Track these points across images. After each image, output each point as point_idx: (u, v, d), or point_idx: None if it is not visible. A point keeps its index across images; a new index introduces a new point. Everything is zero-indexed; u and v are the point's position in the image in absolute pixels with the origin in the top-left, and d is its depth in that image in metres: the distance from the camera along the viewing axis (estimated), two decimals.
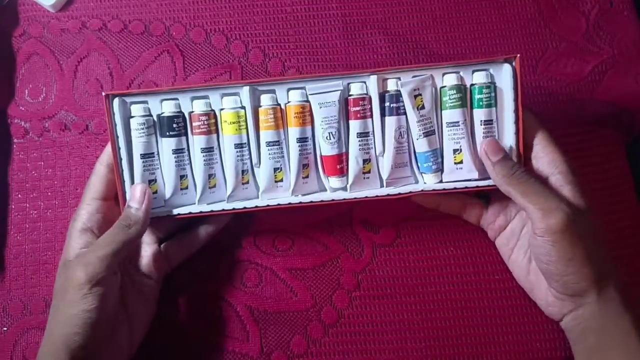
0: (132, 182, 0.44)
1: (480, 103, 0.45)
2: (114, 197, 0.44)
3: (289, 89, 0.45)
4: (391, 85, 0.45)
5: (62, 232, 0.50)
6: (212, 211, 0.44)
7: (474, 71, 0.45)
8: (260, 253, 0.50)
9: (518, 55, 0.44)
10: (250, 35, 0.55)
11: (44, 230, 0.50)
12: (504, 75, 0.45)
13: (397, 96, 0.45)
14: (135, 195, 0.42)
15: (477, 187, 0.45)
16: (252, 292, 0.50)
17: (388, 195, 0.45)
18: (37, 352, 0.47)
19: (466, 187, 0.45)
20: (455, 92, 0.45)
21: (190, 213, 0.44)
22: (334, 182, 0.46)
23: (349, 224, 0.51)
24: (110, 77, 0.53)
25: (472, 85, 0.45)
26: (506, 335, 0.49)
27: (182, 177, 0.45)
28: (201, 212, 0.44)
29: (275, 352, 0.48)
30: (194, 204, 0.45)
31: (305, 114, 0.45)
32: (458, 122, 0.45)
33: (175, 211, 0.44)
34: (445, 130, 0.46)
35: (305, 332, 0.49)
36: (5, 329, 0.48)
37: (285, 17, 0.55)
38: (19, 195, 0.51)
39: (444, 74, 0.45)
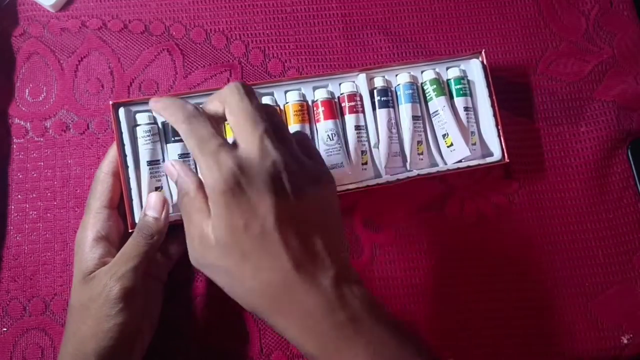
0: (139, 189, 0.43)
1: (460, 92, 0.48)
2: (117, 206, 0.43)
3: (286, 91, 0.47)
4: (378, 82, 0.48)
5: (62, 233, 0.49)
6: None
7: (447, 68, 0.49)
8: None
9: (483, 50, 0.48)
10: (250, 36, 0.53)
11: (44, 231, 0.49)
12: (474, 69, 0.49)
13: (386, 91, 0.47)
14: (154, 204, 0.41)
15: (469, 167, 0.47)
16: None
17: (387, 182, 0.46)
18: (36, 352, 0.46)
19: (458, 168, 0.47)
20: (432, 84, 0.48)
21: None
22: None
23: (350, 222, 0.50)
24: (111, 77, 0.51)
25: (448, 79, 0.49)
26: (505, 336, 0.48)
27: None
28: None
29: (275, 353, 0.47)
30: None
31: (304, 112, 0.46)
32: (438, 110, 0.48)
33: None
34: (433, 120, 0.48)
35: None
36: (5, 329, 0.47)
37: (285, 17, 0.54)
38: (19, 196, 0.49)
39: (422, 72, 0.49)
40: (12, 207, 0.49)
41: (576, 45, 0.54)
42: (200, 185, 0.34)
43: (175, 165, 0.36)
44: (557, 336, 0.48)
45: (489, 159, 0.47)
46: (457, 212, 0.50)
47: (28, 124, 0.50)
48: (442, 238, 0.50)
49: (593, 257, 0.50)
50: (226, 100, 0.35)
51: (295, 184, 0.34)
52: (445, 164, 0.48)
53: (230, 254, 0.33)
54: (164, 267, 0.45)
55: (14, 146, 0.50)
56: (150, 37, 0.52)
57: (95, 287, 0.38)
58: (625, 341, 0.48)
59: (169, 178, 0.43)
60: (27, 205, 0.49)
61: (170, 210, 0.42)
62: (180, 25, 0.53)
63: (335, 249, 0.35)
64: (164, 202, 0.41)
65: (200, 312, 0.47)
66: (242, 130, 0.34)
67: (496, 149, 0.47)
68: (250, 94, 0.35)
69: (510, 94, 0.52)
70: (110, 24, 0.52)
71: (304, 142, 0.39)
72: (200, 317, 0.47)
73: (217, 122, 0.36)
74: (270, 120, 0.35)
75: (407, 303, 0.48)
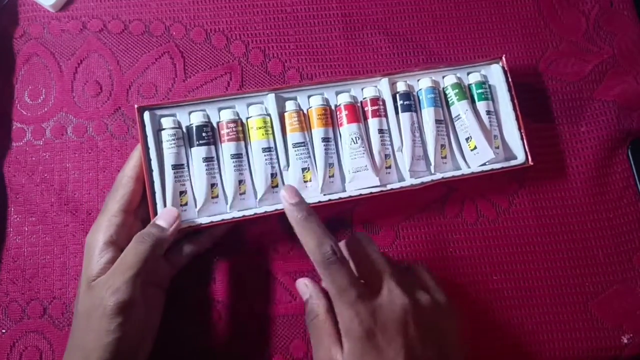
0: (163, 193, 0.42)
1: (482, 96, 0.48)
2: (134, 210, 0.42)
3: (309, 96, 0.47)
4: (400, 87, 0.47)
5: (61, 236, 0.48)
6: (244, 216, 0.43)
7: (468, 73, 0.49)
8: (260, 256, 0.48)
9: (503, 55, 0.48)
10: (251, 36, 0.52)
11: (43, 234, 0.48)
12: (495, 74, 0.49)
13: (408, 95, 0.47)
14: (165, 216, 0.41)
15: (493, 170, 0.46)
16: (252, 296, 0.47)
17: (412, 185, 0.45)
18: (35, 355, 0.45)
19: (483, 172, 0.46)
20: (454, 89, 0.47)
21: (223, 220, 0.43)
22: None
23: (350, 225, 0.49)
24: (110, 79, 0.51)
25: (469, 84, 0.49)
26: (505, 336, 0.48)
27: (212, 185, 0.44)
28: (233, 217, 0.43)
29: (275, 356, 0.46)
30: (225, 212, 0.44)
31: (327, 116, 0.46)
32: (460, 114, 0.47)
33: (208, 220, 0.43)
34: (455, 124, 0.48)
35: (304, 336, 0.47)
36: (3, 331, 0.47)
37: (285, 17, 0.53)
38: (18, 199, 0.49)
39: (443, 77, 0.49)
40: (12, 209, 0.48)
41: (576, 45, 0.53)
42: (330, 309, 0.39)
43: (309, 285, 0.43)
44: (557, 336, 0.47)
45: (513, 162, 0.47)
46: (457, 212, 0.50)
47: (27, 126, 0.50)
48: (442, 238, 0.49)
49: (593, 257, 0.49)
50: (355, 250, 0.40)
51: (420, 326, 0.37)
52: (469, 167, 0.47)
53: None
54: (167, 275, 0.44)
55: (13, 149, 0.49)
56: (151, 39, 0.51)
57: (94, 298, 0.38)
58: (625, 341, 0.48)
59: (192, 184, 0.43)
60: (26, 208, 0.48)
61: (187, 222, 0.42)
62: (180, 25, 0.52)
63: None
64: (176, 217, 0.41)
65: (199, 316, 0.46)
66: (371, 275, 0.39)
67: (519, 151, 0.47)
68: (372, 244, 0.41)
69: None
70: (111, 24, 0.52)
71: (422, 275, 0.44)
72: (199, 321, 0.46)
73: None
74: (391, 265, 0.40)
75: None
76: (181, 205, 0.43)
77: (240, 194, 0.44)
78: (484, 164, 0.46)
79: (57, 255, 0.47)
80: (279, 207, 0.43)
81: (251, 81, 0.51)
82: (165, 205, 0.42)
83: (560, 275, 0.49)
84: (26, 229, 0.48)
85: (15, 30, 0.51)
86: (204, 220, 0.42)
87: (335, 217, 0.49)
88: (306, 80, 0.51)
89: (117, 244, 0.40)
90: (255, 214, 0.43)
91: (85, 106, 0.50)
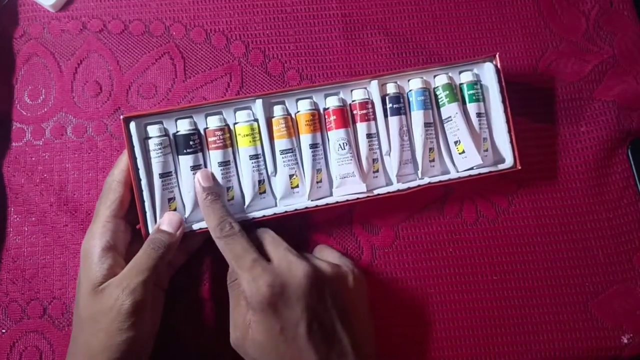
0: (152, 202, 0.42)
1: (473, 98, 0.47)
2: (125, 215, 0.42)
3: (297, 99, 0.46)
4: (390, 89, 0.46)
5: (61, 236, 0.48)
6: None
7: (460, 72, 0.48)
8: None
9: (497, 53, 0.47)
10: (251, 36, 0.52)
11: (42, 234, 0.48)
12: (487, 73, 0.47)
13: (398, 98, 0.46)
14: (169, 221, 0.41)
15: (480, 174, 0.46)
16: None
17: (398, 190, 0.45)
18: (35, 355, 0.45)
19: (470, 176, 0.46)
20: (445, 90, 0.46)
21: None
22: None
23: (349, 225, 0.49)
24: (110, 80, 0.50)
25: (461, 84, 0.47)
26: (505, 336, 0.48)
27: None
28: None
29: None
30: None
31: (315, 121, 0.45)
32: (450, 116, 0.46)
33: (196, 226, 0.43)
34: (445, 126, 0.47)
35: None
36: (4, 331, 0.46)
37: (285, 17, 0.53)
38: (18, 199, 0.49)
39: (435, 76, 0.47)
40: (12, 209, 0.48)
41: (576, 45, 0.53)
42: None
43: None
44: (557, 336, 0.47)
45: (500, 166, 0.46)
46: (456, 212, 0.49)
47: (26, 126, 0.49)
48: (442, 238, 0.49)
49: (593, 257, 0.49)
50: (254, 234, 0.42)
51: (322, 290, 0.39)
52: (457, 170, 0.47)
53: (268, 353, 0.38)
54: (167, 275, 0.45)
55: (13, 149, 0.49)
56: (151, 39, 0.51)
57: (106, 300, 0.38)
58: (625, 341, 0.47)
59: (181, 191, 0.43)
60: (26, 209, 0.48)
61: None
62: (180, 25, 0.52)
63: (360, 345, 0.40)
64: (181, 221, 0.41)
65: (199, 316, 0.46)
66: (270, 251, 0.40)
67: (508, 154, 0.46)
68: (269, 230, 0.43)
69: (510, 94, 0.50)
70: (111, 25, 0.51)
71: (322, 249, 0.46)
72: (198, 321, 0.46)
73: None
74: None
75: (406, 304, 0.47)
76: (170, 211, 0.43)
77: (229, 200, 0.44)
78: (472, 168, 0.46)
79: (56, 255, 0.47)
80: (267, 213, 0.44)
81: (251, 82, 0.51)
82: (154, 213, 0.42)
83: (560, 275, 0.49)
84: (26, 229, 0.48)
85: (15, 30, 0.51)
86: (195, 226, 0.43)
87: (336, 217, 0.49)
88: (306, 80, 0.51)
89: (115, 249, 0.40)
90: (244, 220, 0.43)
91: (85, 106, 0.50)
